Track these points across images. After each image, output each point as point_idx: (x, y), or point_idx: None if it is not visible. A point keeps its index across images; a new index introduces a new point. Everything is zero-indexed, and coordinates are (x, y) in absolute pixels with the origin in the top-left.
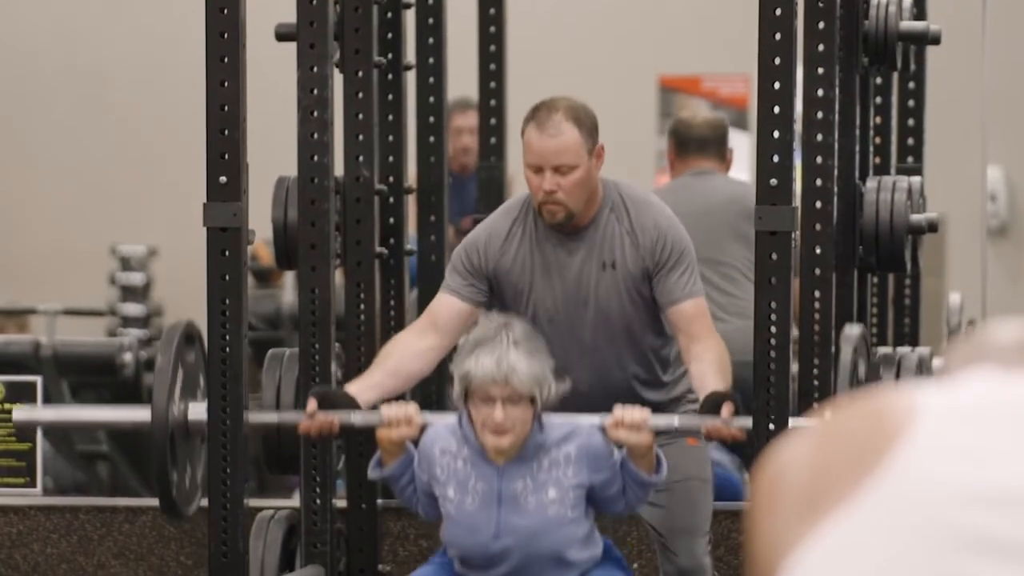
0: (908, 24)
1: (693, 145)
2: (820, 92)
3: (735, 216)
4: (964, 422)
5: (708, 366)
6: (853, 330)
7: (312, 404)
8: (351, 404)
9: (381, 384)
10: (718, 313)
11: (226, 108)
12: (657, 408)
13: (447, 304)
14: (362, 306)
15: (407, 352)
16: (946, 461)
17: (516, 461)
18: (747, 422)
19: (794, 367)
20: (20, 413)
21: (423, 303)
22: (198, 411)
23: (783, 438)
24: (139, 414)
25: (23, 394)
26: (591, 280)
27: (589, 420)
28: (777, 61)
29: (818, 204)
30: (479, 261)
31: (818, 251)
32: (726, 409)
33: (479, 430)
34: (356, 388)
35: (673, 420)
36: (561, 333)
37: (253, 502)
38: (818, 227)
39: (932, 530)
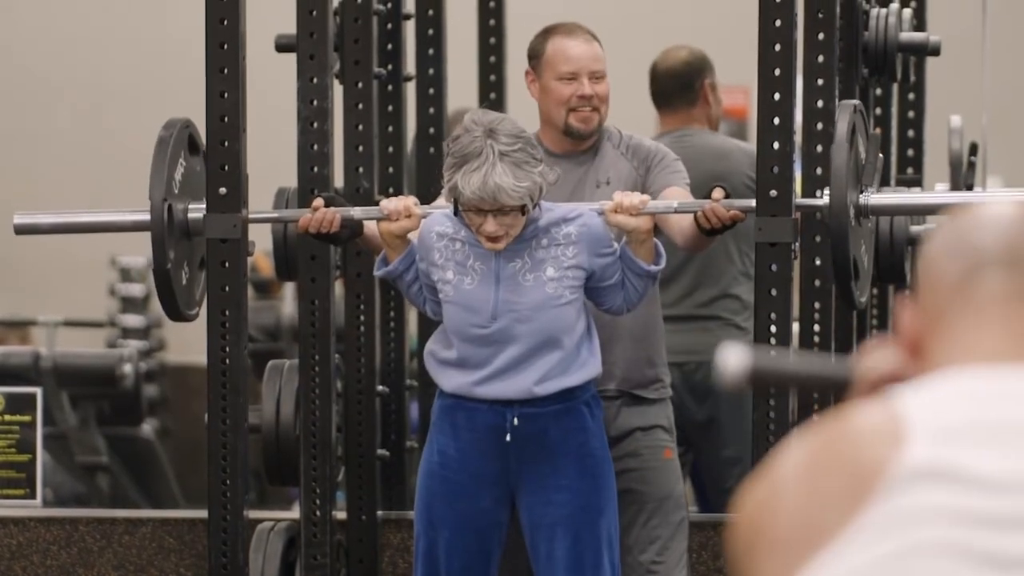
0: (908, 35)
1: (660, 98)
2: (820, 103)
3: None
4: (953, 443)
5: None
6: (849, 103)
7: (319, 200)
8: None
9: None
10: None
11: (226, 119)
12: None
13: None
14: (362, 317)
15: None
16: (936, 487)
17: (514, 241)
18: (749, 203)
19: None
20: (20, 218)
21: (422, 315)
22: (198, 211)
23: (762, 470)
24: (140, 216)
25: (23, 405)
26: (584, 200)
27: (588, 207)
28: (777, 72)
29: (818, 215)
30: None
31: (818, 263)
32: (717, 192)
33: (474, 231)
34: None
35: (672, 203)
36: None
37: (253, 514)
38: (818, 239)
39: (927, 550)
